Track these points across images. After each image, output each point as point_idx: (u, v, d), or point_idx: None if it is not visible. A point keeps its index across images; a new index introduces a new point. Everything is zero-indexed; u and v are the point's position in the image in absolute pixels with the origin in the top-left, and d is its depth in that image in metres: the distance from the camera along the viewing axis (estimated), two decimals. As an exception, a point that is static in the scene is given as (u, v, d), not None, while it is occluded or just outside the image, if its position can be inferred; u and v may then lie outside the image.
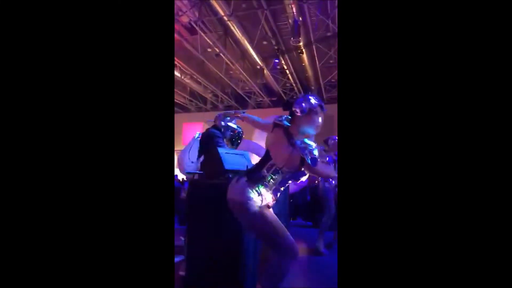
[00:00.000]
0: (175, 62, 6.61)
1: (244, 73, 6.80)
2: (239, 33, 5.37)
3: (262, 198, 1.34)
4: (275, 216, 1.41)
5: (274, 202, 1.42)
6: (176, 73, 6.96)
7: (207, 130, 2.22)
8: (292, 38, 5.11)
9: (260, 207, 1.36)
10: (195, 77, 7.37)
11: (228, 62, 6.37)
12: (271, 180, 1.37)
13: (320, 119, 1.45)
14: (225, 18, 4.98)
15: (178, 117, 8.74)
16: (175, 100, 8.59)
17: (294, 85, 7.69)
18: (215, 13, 5.03)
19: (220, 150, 1.85)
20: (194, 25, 5.27)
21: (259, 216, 1.34)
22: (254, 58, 6.24)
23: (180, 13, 5.09)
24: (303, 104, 1.43)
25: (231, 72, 7.17)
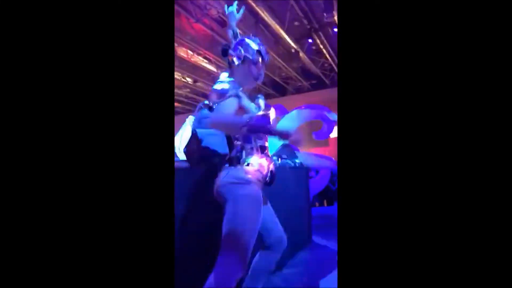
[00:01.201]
0: (210, 57, 6.66)
1: (278, 59, 6.62)
2: (269, 17, 5.21)
3: (263, 166, 1.19)
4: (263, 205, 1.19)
5: (271, 169, 1.21)
6: (212, 67, 7.02)
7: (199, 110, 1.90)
8: (325, 14, 4.82)
9: (251, 184, 1.14)
10: (230, 69, 7.37)
11: (262, 50, 6.24)
12: (245, 142, 1.20)
13: (257, 70, 1.25)
14: (253, 4, 4.85)
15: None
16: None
17: (333, 64, 7.32)
18: (243, 0, 4.92)
19: (200, 131, 1.47)
20: (223, 17, 5.23)
21: (246, 198, 1.13)
22: (288, 41, 6.03)
23: (208, 6, 5.07)
24: (239, 51, 1.24)
25: (265, 59, 7.03)
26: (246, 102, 1.23)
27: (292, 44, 6.16)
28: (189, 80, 7.77)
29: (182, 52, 6.36)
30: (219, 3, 4.97)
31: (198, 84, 7.91)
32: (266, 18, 5.24)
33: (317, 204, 5.21)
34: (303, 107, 4.84)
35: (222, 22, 5.49)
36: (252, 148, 1.21)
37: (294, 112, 4.63)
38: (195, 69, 7.10)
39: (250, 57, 1.23)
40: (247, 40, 1.27)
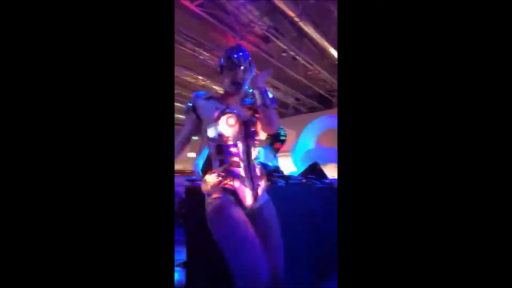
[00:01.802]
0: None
1: (324, 72, 6.55)
2: (313, 30, 5.21)
3: (206, 183, 1.14)
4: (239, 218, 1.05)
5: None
6: (257, 83, 7.14)
7: None
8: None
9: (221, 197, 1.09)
10: (274, 84, 7.45)
11: (306, 63, 6.24)
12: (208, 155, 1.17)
13: (232, 74, 1.21)
14: (296, 19, 4.90)
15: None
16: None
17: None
18: (285, 16, 5.00)
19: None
20: (267, 33, 5.34)
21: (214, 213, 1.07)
22: (332, 53, 5.96)
23: (252, 24, 5.23)
24: (226, 55, 1.25)
25: (309, 73, 7.00)
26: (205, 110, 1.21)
27: (337, 56, 6.07)
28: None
29: (228, 69, 6.59)
30: (263, 20, 5.09)
31: (243, 99, 8.09)
32: (309, 31, 5.25)
33: None
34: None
35: (266, 38, 5.61)
36: (210, 161, 1.21)
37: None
38: (240, 85, 7.28)
39: (229, 62, 1.24)
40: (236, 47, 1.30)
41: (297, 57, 5.92)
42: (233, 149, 1.17)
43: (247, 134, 1.20)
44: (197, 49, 5.61)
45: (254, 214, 1.16)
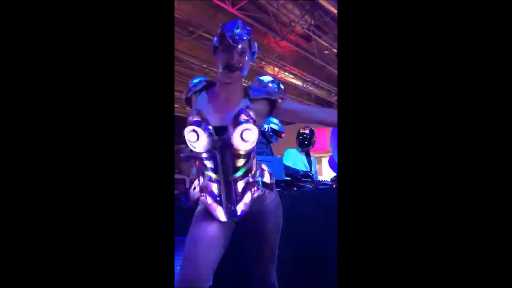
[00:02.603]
0: (295, 72, 6.73)
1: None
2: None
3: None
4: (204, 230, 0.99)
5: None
6: (298, 82, 7.07)
7: None
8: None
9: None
10: (316, 82, 7.31)
11: (349, 60, 6.02)
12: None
13: (225, 56, 0.97)
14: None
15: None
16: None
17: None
18: (327, 12, 4.87)
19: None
20: (308, 32, 5.25)
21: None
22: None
23: (293, 24, 5.18)
24: (220, 32, 1.00)
25: (354, 70, 6.75)
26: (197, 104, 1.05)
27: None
28: (276, 96, 7.99)
29: (269, 70, 6.61)
30: (304, 19, 5.02)
31: (285, 99, 8.05)
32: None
33: None
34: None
35: (308, 37, 5.52)
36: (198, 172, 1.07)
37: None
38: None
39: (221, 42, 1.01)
40: (233, 24, 1.02)
41: (340, 54, 5.73)
42: (207, 162, 1.02)
43: (223, 144, 0.98)
44: (238, 51, 5.69)
45: (237, 225, 1.09)
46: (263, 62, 6.20)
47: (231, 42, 0.97)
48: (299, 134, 2.82)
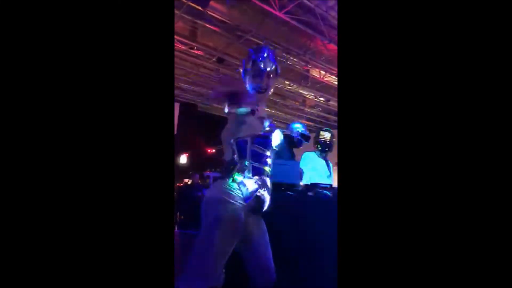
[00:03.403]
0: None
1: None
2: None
3: (245, 187, 1.08)
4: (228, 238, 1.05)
5: (259, 190, 1.13)
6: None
7: None
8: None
9: (238, 207, 1.08)
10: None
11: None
12: (240, 158, 1.11)
13: (255, 80, 1.19)
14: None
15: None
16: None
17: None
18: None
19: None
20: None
21: (219, 219, 1.05)
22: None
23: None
24: (250, 57, 1.20)
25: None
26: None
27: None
28: (321, 99, 7.84)
29: (315, 73, 6.50)
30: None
31: (331, 102, 7.87)
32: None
33: None
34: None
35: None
36: (245, 165, 1.14)
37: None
38: (328, 88, 7.12)
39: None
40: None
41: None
42: (268, 160, 1.20)
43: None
44: (284, 54, 5.69)
45: (255, 224, 1.20)
46: (309, 66, 6.12)
47: (261, 68, 1.16)
48: (319, 138, 2.66)
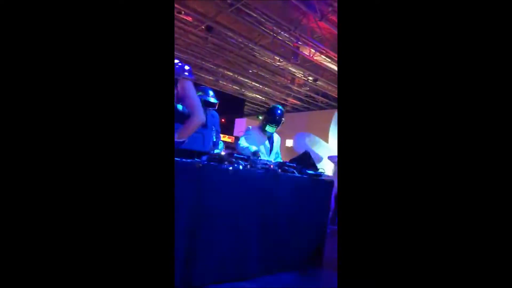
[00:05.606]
0: (332, 56, 6.49)
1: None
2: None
3: None
4: None
5: None
6: (334, 66, 6.83)
7: None
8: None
9: None
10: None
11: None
12: None
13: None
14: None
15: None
16: (334, 95, 8.38)
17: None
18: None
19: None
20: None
21: None
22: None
23: (334, 4, 4.94)
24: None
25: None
26: None
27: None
28: (310, 78, 7.80)
29: (305, 51, 6.42)
30: None
31: (318, 82, 7.85)
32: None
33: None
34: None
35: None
36: None
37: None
38: (316, 68, 7.07)
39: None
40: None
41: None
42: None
43: None
44: (275, 28, 5.57)
45: None
46: (299, 42, 6.03)
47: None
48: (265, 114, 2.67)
